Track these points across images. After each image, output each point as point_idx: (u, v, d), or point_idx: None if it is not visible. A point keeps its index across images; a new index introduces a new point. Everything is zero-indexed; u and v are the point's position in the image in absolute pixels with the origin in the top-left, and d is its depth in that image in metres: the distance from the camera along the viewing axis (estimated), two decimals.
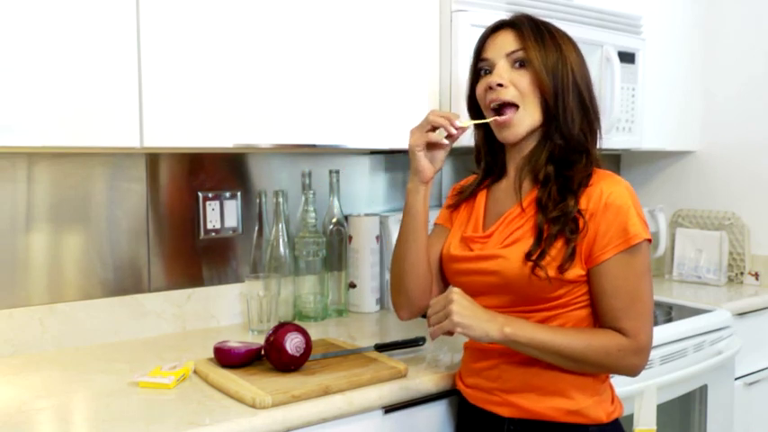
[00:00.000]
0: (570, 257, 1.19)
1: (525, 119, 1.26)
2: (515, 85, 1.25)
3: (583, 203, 1.21)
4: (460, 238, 1.35)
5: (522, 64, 1.26)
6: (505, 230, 1.27)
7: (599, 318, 1.23)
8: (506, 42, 1.27)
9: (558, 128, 1.25)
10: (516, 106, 1.26)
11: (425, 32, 1.76)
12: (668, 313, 2.07)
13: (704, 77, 2.53)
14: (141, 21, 1.36)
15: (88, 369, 1.45)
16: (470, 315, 1.17)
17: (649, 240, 1.21)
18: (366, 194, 2.09)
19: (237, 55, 1.48)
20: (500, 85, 1.26)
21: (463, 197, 1.41)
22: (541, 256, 1.19)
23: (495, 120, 1.28)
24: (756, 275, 2.43)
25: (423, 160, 1.32)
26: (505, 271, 1.23)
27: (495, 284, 1.25)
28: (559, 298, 1.22)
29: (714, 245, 2.45)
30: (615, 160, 2.78)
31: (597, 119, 1.30)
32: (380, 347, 1.51)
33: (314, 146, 1.62)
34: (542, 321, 1.23)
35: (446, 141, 1.32)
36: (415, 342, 1.55)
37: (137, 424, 1.15)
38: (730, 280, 2.48)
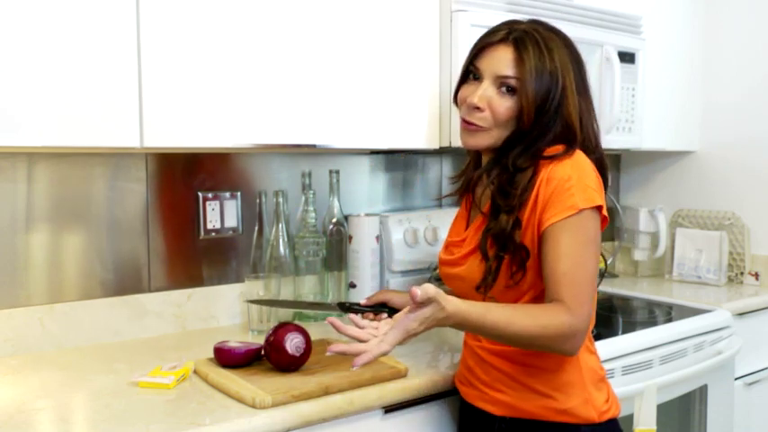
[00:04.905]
0: (517, 272, 1.19)
1: (487, 139, 1.25)
2: (493, 111, 1.22)
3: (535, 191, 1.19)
4: (447, 242, 1.38)
5: (510, 90, 1.21)
6: (475, 237, 1.28)
7: (545, 286, 1.18)
8: (502, 63, 1.22)
9: (522, 142, 1.22)
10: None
11: (425, 32, 1.75)
12: (668, 313, 2.07)
13: (704, 77, 2.53)
14: (141, 21, 1.36)
15: (88, 369, 1.45)
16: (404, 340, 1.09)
17: (597, 208, 1.18)
18: (366, 194, 2.09)
19: (238, 55, 1.48)
20: (477, 107, 1.23)
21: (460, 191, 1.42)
22: (489, 288, 1.21)
23: (462, 124, 1.27)
24: (756, 275, 2.42)
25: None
26: (469, 278, 1.25)
27: (469, 289, 1.25)
28: (530, 290, 1.22)
29: (714, 245, 2.45)
30: (615, 160, 2.78)
31: (582, 127, 1.24)
32: (344, 307, 1.42)
33: (314, 146, 1.62)
34: None
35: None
36: (381, 308, 1.45)
37: (137, 424, 1.15)
38: (730, 280, 2.48)
